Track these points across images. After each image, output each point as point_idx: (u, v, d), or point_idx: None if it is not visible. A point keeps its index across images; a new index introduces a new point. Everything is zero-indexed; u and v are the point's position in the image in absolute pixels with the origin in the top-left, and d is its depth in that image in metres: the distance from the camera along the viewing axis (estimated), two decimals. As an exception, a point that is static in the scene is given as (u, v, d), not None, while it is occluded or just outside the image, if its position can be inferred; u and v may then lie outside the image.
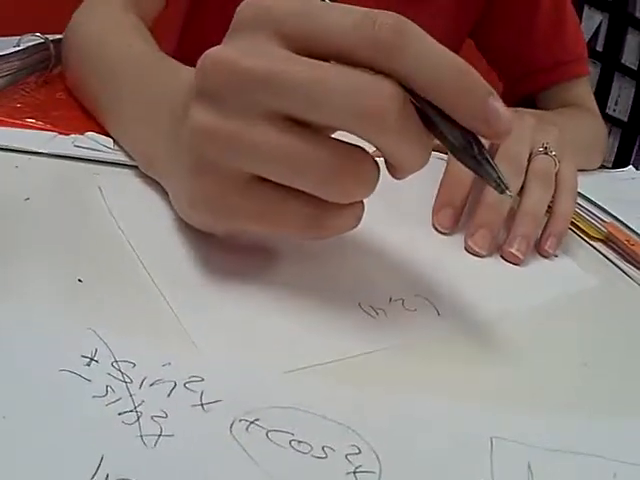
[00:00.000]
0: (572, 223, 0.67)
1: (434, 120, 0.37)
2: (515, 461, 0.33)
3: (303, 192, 0.39)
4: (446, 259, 0.55)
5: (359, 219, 0.42)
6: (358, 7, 0.36)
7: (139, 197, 0.53)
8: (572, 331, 0.49)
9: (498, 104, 0.36)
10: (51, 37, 0.84)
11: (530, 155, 0.62)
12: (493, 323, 0.46)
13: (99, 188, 0.53)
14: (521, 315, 0.48)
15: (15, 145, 0.58)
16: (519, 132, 0.62)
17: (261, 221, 0.41)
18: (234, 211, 0.41)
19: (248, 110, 0.37)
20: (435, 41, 0.36)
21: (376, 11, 0.36)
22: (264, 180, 0.39)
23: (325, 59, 0.37)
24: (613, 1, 3.71)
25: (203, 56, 0.39)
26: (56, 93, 0.77)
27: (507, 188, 0.39)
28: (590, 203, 0.72)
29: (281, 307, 0.42)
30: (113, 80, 0.63)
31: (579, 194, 0.67)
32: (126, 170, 0.58)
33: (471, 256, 0.57)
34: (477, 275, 0.54)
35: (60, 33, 0.84)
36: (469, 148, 0.38)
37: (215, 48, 0.39)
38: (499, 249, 0.58)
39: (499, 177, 0.38)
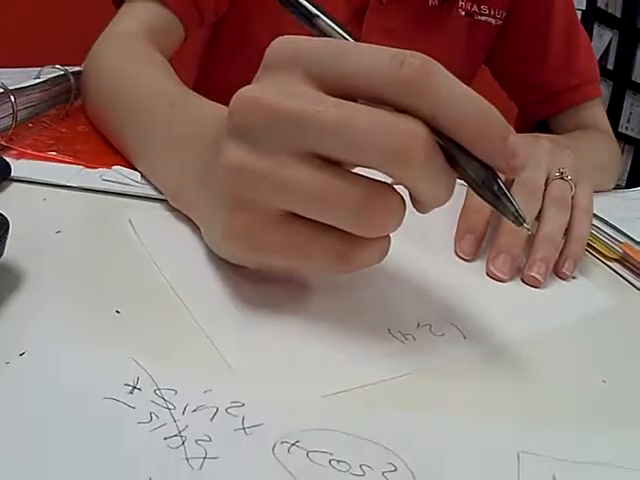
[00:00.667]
0: (588, 244, 0.68)
1: (455, 156, 0.38)
2: (541, 474, 0.34)
3: (333, 227, 0.40)
4: (469, 284, 0.56)
5: (386, 252, 0.43)
6: (385, 47, 0.37)
7: (169, 229, 0.54)
8: (591, 349, 0.50)
9: (517, 143, 0.38)
10: (71, 69, 0.85)
11: (547, 180, 0.63)
12: (516, 344, 0.47)
13: (129, 221, 0.54)
14: (543, 336, 0.49)
15: (43, 178, 0.59)
16: (536, 158, 0.64)
17: (291, 255, 0.42)
18: (266, 245, 0.42)
19: (280, 149, 0.38)
20: (459, 81, 0.37)
21: (403, 52, 0.36)
22: (295, 216, 0.40)
23: (354, 99, 0.38)
24: (622, 17, 3.71)
25: (235, 95, 0.40)
26: (78, 126, 0.78)
27: (524, 221, 0.40)
28: (605, 224, 0.73)
29: (315, 335, 0.43)
30: (137, 115, 0.64)
31: (594, 215, 0.68)
32: (155, 203, 0.59)
33: (493, 281, 0.58)
34: (500, 299, 0.54)
35: (79, 65, 0.85)
36: (488, 183, 0.39)
37: (247, 88, 0.40)
38: (519, 273, 0.59)
39: (517, 211, 0.40)
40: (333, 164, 0.38)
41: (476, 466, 0.34)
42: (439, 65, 0.37)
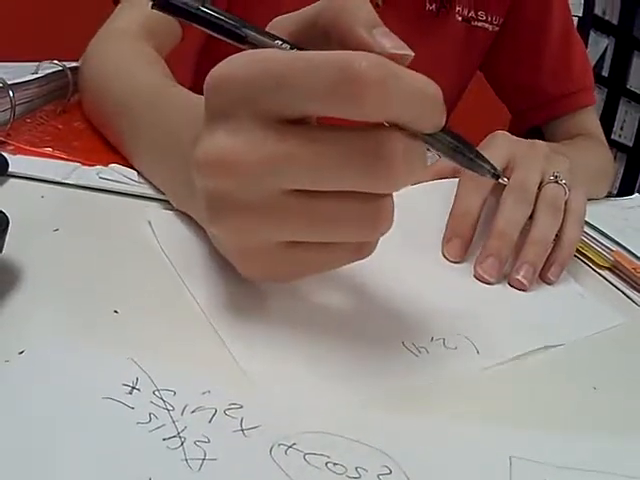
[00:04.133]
0: (580, 252, 0.69)
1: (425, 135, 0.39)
2: (532, 478, 0.35)
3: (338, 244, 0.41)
4: (484, 297, 0.56)
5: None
6: (325, 56, 0.35)
7: (183, 228, 0.55)
8: (582, 356, 0.50)
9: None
10: (69, 65, 0.85)
11: (541, 183, 0.63)
12: (523, 358, 0.48)
13: (149, 222, 0.54)
14: (550, 351, 0.50)
15: (40, 175, 0.59)
16: (531, 160, 0.64)
17: (308, 271, 0.44)
18: (280, 274, 0.44)
19: (261, 195, 0.38)
20: (406, 73, 0.36)
21: (348, 62, 0.34)
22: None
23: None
24: (619, 24, 3.72)
25: (196, 157, 0.39)
26: (74, 122, 0.78)
27: (500, 176, 0.42)
28: (597, 232, 0.73)
29: (327, 343, 0.44)
30: (129, 114, 0.64)
31: (586, 223, 0.68)
32: (154, 203, 0.59)
33: (507, 294, 0.58)
34: (512, 314, 0.55)
35: (76, 61, 0.86)
36: (460, 148, 0.39)
37: (204, 145, 0.39)
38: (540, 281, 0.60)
39: (492, 167, 0.41)
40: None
41: (469, 470, 0.35)
42: (388, 64, 0.35)
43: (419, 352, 0.45)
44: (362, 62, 0.34)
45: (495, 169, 0.41)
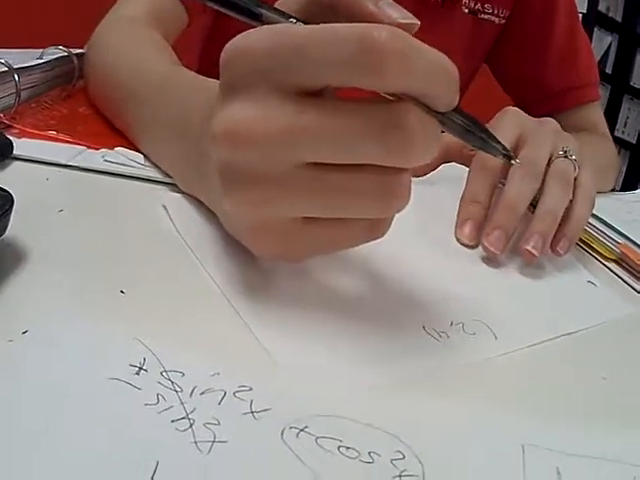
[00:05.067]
0: (586, 243, 0.68)
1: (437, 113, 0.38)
2: (545, 466, 0.35)
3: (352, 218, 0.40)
4: (498, 284, 0.56)
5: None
6: (341, 27, 0.35)
7: (199, 211, 0.54)
8: (591, 346, 0.50)
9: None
10: (74, 51, 0.85)
11: (551, 158, 0.63)
12: (534, 345, 0.47)
13: (164, 206, 0.54)
14: (562, 338, 0.49)
15: (45, 157, 0.59)
16: (541, 136, 0.64)
17: (321, 249, 0.44)
18: (294, 252, 0.44)
19: (278, 168, 0.37)
20: (423, 47, 0.36)
21: (365, 32, 0.34)
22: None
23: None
24: (623, 21, 3.72)
25: (212, 129, 0.39)
26: (79, 107, 0.78)
27: (512, 157, 0.41)
28: (604, 224, 0.73)
29: (348, 328, 0.43)
30: (136, 99, 0.64)
31: (593, 215, 0.68)
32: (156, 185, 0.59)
33: (519, 282, 0.58)
34: (526, 300, 0.55)
35: (82, 47, 0.85)
36: (473, 128, 0.39)
37: (222, 117, 0.38)
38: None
39: (504, 148, 0.40)
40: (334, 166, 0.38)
41: (482, 456, 0.34)
42: (406, 35, 0.35)
43: (440, 337, 0.44)
44: (382, 33, 0.34)
45: (507, 150, 0.40)
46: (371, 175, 0.38)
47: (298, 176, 0.38)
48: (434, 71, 0.36)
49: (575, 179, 0.63)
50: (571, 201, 0.62)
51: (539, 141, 0.63)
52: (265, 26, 0.38)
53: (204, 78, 0.55)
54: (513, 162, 0.41)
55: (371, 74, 0.35)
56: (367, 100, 0.36)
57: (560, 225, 0.61)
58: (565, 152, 0.63)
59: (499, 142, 0.40)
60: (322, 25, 0.36)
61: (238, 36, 0.38)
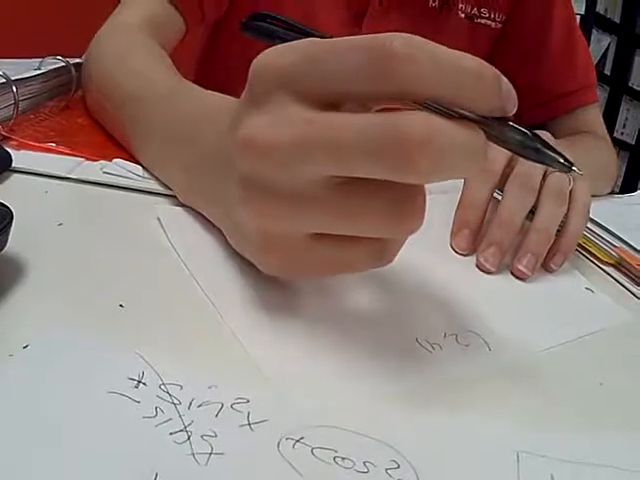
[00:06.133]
0: (584, 248, 0.69)
1: (484, 127, 0.36)
2: (539, 473, 0.35)
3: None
4: (494, 293, 0.56)
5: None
6: (358, 38, 0.36)
7: (193, 224, 0.54)
8: (589, 353, 0.50)
9: (507, 84, 0.37)
10: (72, 60, 0.85)
11: (545, 172, 0.63)
12: (531, 354, 0.48)
13: (158, 219, 0.54)
14: (557, 347, 0.50)
15: (43, 170, 0.59)
16: None
17: (327, 270, 0.44)
18: (300, 268, 0.44)
19: (295, 181, 0.38)
20: (443, 49, 0.35)
21: (379, 41, 0.35)
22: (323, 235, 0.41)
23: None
24: (621, 22, 3.72)
25: (238, 139, 0.39)
26: (78, 118, 0.78)
27: (572, 166, 0.38)
28: (601, 228, 0.73)
29: (339, 341, 0.44)
30: (137, 108, 0.64)
31: (591, 220, 0.68)
32: (161, 198, 0.59)
33: (518, 290, 0.58)
34: (521, 309, 0.55)
35: (79, 57, 0.86)
36: (528, 142, 0.37)
37: (247, 128, 0.39)
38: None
39: (563, 158, 0.38)
40: (350, 180, 0.37)
41: (477, 464, 0.35)
42: (420, 41, 0.35)
43: (433, 348, 0.45)
44: (392, 41, 0.34)
45: (568, 161, 0.38)
46: (386, 192, 0.37)
47: (314, 190, 0.38)
48: (455, 74, 0.35)
49: (570, 192, 0.64)
50: (566, 214, 0.63)
51: None
52: (292, 42, 0.39)
53: (210, 92, 0.56)
54: (576, 171, 0.39)
55: (381, 81, 0.35)
56: (388, 112, 0.35)
57: (555, 239, 0.62)
58: None
59: (559, 152, 0.38)
60: (342, 38, 0.36)
61: (266, 50, 0.39)
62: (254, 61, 0.40)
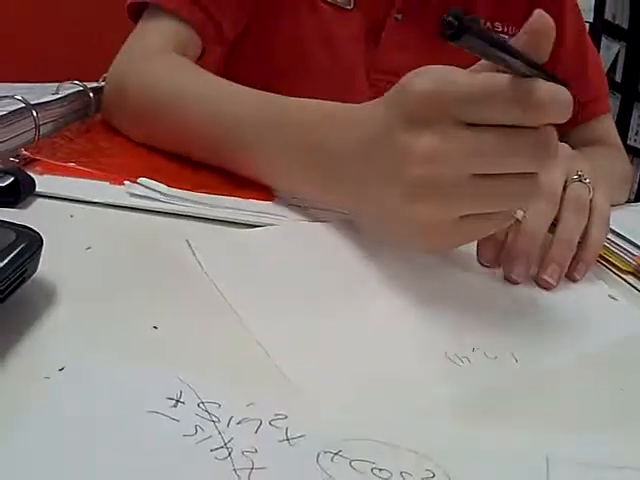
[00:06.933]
0: (602, 257, 0.69)
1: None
2: (568, 476, 0.36)
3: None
4: (518, 305, 0.57)
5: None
6: (497, 80, 0.48)
7: (225, 246, 0.56)
8: (611, 360, 0.51)
9: None
10: (90, 85, 0.86)
11: (565, 182, 0.64)
12: (558, 364, 0.49)
13: (187, 241, 0.54)
14: (586, 356, 0.51)
15: (68, 194, 0.60)
16: (555, 162, 0.65)
17: (470, 240, 0.57)
18: (451, 243, 0.56)
19: (455, 181, 0.49)
20: (557, 88, 0.48)
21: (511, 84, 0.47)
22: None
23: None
24: (630, 28, 3.71)
25: (409, 154, 0.50)
26: (100, 141, 0.79)
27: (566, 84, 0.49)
28: (619, 237, 0.73)
29: (372, 355, 0.45)
30: (240, 130, 0.68)
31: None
32: (190, 222, 0.60)
33: (542, 302, 0.59)
34: (546, 320, 0.55)
35: (94, 81, 0.87)
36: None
37: (415, 145, 0.50)
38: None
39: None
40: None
41: (508, 470, 0.36)
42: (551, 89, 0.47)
43: (462, 362, 0.46)
44: (542, 91, 0.47)
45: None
46: (519, 179, 0.51)
47: (468, 185, 0.49)
48: (564, 109, 0.48)
49: (590, 201, 0.65)
50: (587, 224, 0.64)
51: (554, 168, 0.64)
52: (443, 72, 0.50)
53: (309, 101, 0.64)
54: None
55: (528, 121, 0.49)
56: (517, 127, 0.48)
57: (577, 249, 0.63)
58: (579, 176, 0.65)
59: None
60: (490, 77, 0.49)
61: (422, 76, 0.51)
62: (412, 86, 0.50)
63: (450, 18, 0.38)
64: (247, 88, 0.71)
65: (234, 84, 0.72)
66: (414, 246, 0.56)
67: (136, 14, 0.93)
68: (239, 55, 1.14)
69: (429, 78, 0.50)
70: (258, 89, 0.69)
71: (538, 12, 0.49)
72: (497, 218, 0.53)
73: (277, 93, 0.67)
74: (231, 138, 0.69)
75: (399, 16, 1.09)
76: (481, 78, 0.49)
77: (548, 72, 0.48)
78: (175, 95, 0.74)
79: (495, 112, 0.48)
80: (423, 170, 0.49)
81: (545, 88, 0.47)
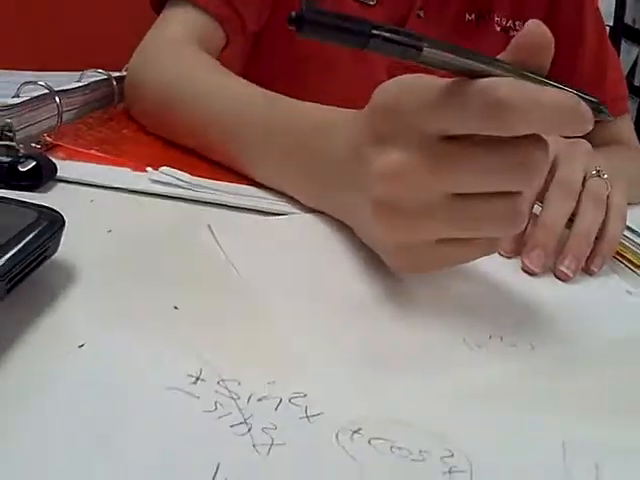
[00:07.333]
0: (618, 253, 0.69)
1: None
2: (584, 461, 0.36)
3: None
4: (535, 295, 0.57)
5: None
6: (469, 85, 0.42)
7: (245, 235, 0.56)
8: (628, 351, 0.52)
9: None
10: (114, 74, 0.86)
11: (584, 178, 0.65)
12: (575, 353, 0.49)
13: (209, 226, 0.55)
14: (605, 344, 0.51)
15: (89, 179, 0.60)
16: (574, 157, 0.65)
17: (448, 265, 0.51)
18: (426, 267, 0.50)
19: (425, 200, 0.45)
20: (539, 89, 0.42)
21: (488, 90, 0.41)
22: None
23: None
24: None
25: (374, 172, 0.47)
26: (122, 129, 0.80)
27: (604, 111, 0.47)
28: (634, 233, 0.74)
29: (389, 339, 0.46)
30: (239, 127, 0.68)
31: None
32: (207, 207, 0.60)
33: (560, 293, 0.59)
34: (562, 310, 0.55)
35: (117, 70, 0.88)
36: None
37: (381, 162, 0.47)
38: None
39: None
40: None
41: (525, 452, 0.36)
42: (520, 89, 0.41)
43: (479, 348, 0.46)
44: (502, 88, 0.41)
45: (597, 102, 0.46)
46: (499, 200, 0.46)
47: (441, 206, 0.45)
48: (556, 114, 0.42)
49: (608, 197, 0.65)
50: (604, 219, 0.64)
51: (573, 162, 0.65)
52: (406, 80, 0.46)
53: (308, 104, 0.63)
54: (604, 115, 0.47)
55: (495, 128, 0.42)
56: (497, 141, 0.43)
57: (594, 243, 0.63)
58: (598, 171, 0.65)
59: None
60: (454, 81, 0.43)
61: (382, 90, 0.48)
62: (374, 102, 0.48)
63: (294, 12, 0.38)
64: (253, 89, 0.71)
65: (245, 83, 0.72)
66: (387, 264, 0.52)
67: (159, 4, 0.94)
68: (262, 48, 1.15)
69: (392, 89, 0.47)
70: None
71: (532, 22, 0.48)
72: (478, 244, 0.48)
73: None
74: (229, 139, 0.69)
75: (421, 13, 1.09)
76: (441, 83, 0.44)
77: (539, 75, 0.44)
78: (188, 92, 0.74)
79: (454, 119, 0.43)
80: (384, 188, 0.46)
81: (506, 86, 0.41)
